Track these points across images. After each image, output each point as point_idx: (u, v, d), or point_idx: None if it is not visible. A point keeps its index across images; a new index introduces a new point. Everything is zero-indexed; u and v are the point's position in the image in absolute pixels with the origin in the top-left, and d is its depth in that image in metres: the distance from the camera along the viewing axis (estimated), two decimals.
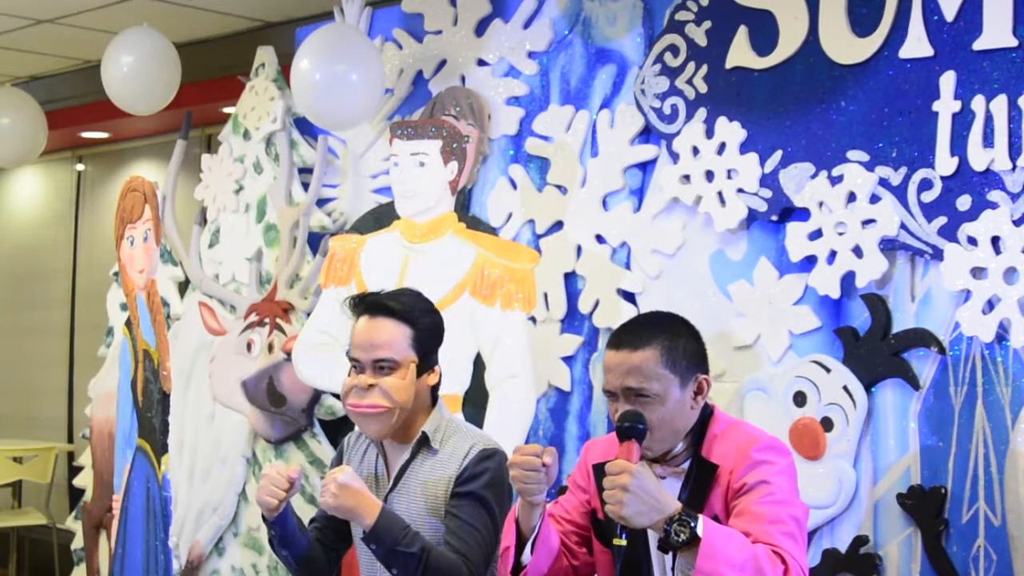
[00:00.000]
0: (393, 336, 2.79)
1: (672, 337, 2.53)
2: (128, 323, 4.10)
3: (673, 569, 2.50)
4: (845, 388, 3.37)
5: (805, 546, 2.46)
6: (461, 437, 2.84)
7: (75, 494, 6.18)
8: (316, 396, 4.61)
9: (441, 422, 2.87)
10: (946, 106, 3.25)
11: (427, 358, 2.84)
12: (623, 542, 2.36)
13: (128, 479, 3.80)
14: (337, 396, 4.53)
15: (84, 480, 5.77)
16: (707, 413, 2.60)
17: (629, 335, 2.54)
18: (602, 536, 2.60)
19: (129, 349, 4.05)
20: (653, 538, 2.49)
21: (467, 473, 2.77)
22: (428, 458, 2.83)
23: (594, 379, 3.93)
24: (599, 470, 2.53)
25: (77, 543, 5.74)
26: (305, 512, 4.69)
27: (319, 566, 2.93)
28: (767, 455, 2.48)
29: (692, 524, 2.28)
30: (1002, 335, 3.12)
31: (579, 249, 4.01)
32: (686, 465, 2.56)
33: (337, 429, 4.58)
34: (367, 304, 2.84)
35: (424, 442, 2.83)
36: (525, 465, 2.42)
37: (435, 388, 2.90)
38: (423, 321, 2.84)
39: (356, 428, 2.99)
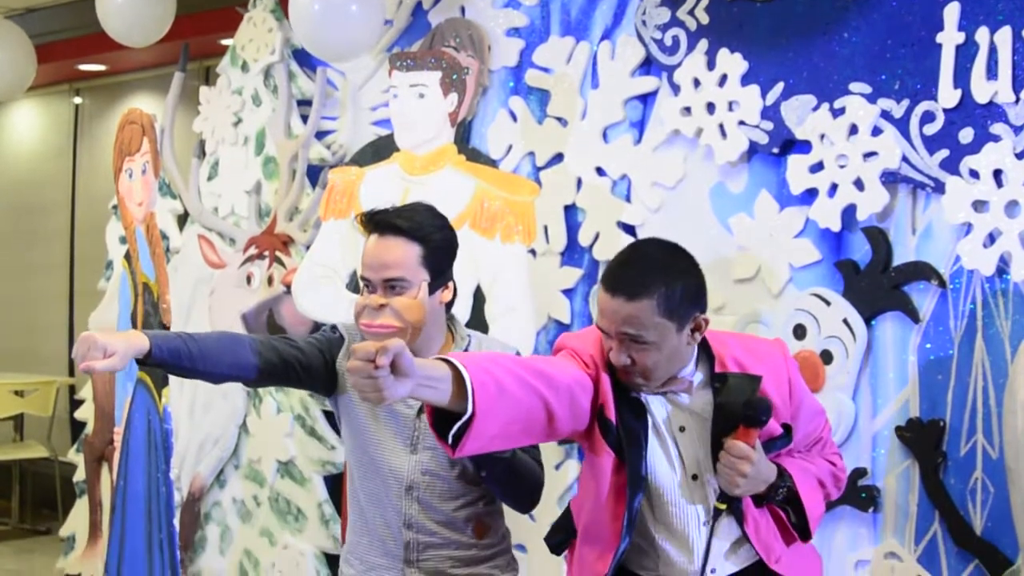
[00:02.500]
0: (403, 255, 2.71)
1: (670, 282, 2.44)
2: (127, 256, 4.10)
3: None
4: (845, 321, 3.38)
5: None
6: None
7: (76, 427, 6.23)
8: (316, 328, 4.62)
9: (460, 345, 2.82)
10: (950, 38, 3.23)
11: (440, 275, 2.76)
12: (723, 506, 2.48)
13: (129, 412, 3.81)
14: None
15: (85, 413, 5.80)
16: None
17: (625, 281, 2.44)
18: (606, 433, 2.52)
19: (129, 282, 4.05)
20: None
21: None
22: None
23: (594, 312, 3.93)
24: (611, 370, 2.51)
25: (79, 475, 5.79)
26: (309, 447, 4.74)
27: (223, 358, 2.69)
28: (790, 359, 2.64)
29: (789, 486, 2.53)
30: (1003, 269, 3.13)
31: (579, 181, 4.01)
32: (696, 382, 2.55)
33: None
34: (376, 222, 2.75)
35: None
36: (357, 372, 2.09)
37: (450, 305, 2.84)
38: (434, 238, 2.75)
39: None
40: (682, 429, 2.54)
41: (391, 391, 2.08)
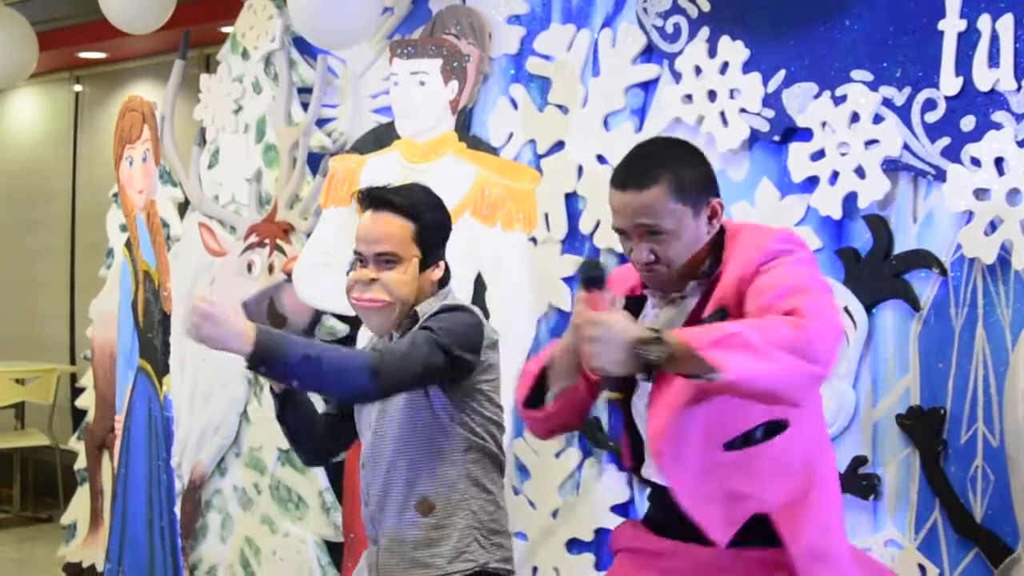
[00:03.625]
0: (395, 230, 2.77)
1: (678, 168, 2.42)
2: (128, 244, 4.10)
3: None
4: (846, 309, 3.37)
5: (834, 312, 2.31)
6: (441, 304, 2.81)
7: (77, 415, 6.24)
8: (317, 317, 4.63)
9: (438, 301, 2.81)
10: (951, 25, 3.22)
11: (431, 253, 2.81)
12: (615, 395, 2.36)
13: (130, 400, 3.82)
14: (338, 317, 4.55)
15: (86, 401, 5.82)
16: (721, 229, 2.49)
17: (633, 173, 2.43)
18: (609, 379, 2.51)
19: (129, 270, 4.05)
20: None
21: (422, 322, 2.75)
22: None
23: None
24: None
25: (80, 463, 5.81)
26: None
27: (322, 439, 2.94)
28: (784, 244, 2.38)
29: (660, 337, 2.17)
30: (1004, 257, 3.12)
31: (580, 169, 4.01)
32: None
33: None
34: (372, 198, 2.82)
35: (415, 321, 2.79)
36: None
37: (443, 283, 2.87)
38: (426, 216, 2.80)
39: None
40: None
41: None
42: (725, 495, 2.40)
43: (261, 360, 2.50)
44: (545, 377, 2.51)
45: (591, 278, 2.35)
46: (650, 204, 2.39)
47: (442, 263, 2.85)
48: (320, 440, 2.96)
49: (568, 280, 4.01)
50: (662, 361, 2.16)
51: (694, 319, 2.40)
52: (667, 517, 2.51)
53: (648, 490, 2.63)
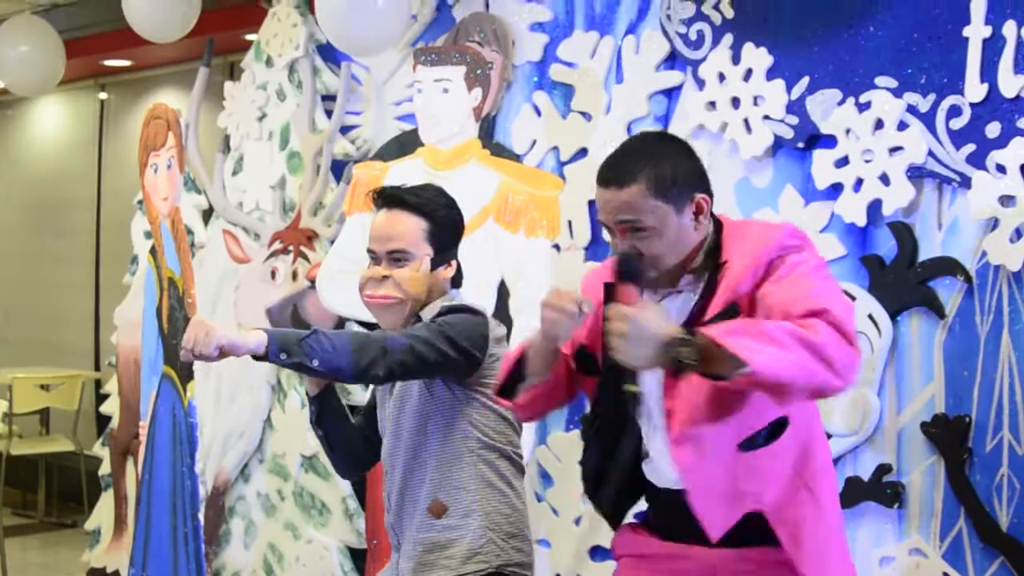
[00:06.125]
0: (408, 228, 2.80)
1: (658, 164, 2.40)
2: (153, 251, 4.11)
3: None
4: (870, 316, 3.37)
5: (850, 310, 2.29)
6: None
7: (102, 421, 6.29)
8: (340, 323, 4.64)
9: (441, 303, 2.82)
10: (976, 31, 3.23)
11: (443, 252, 2.84)
12: (635, 388, 2.34)
13: (154, 406, 3.82)
14: (361, 323, 4.56)
15: (111, 407, 5.86)
16: (718, 226, 2.49)
17: (615, 170, 2.43)
18: (582, 364, 2.53)
19: (154, 277, 4.06)
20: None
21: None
22: None
23: None
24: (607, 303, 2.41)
25: (104, 469, 5.84)
26: None
27: (356, 450, 2.98)
28: (792, 240, 2.38)
29: (692, 337, 2.17)
30: None
31: None
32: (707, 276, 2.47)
33: None
34: (385, 197, 2.86)
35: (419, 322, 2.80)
36: (561, 308, 2.30)
37: (455, 283, 2.89)
38: (439, 215, 2.83)
39: None
40: None
41: (569, 336, 2.37)
42: (732, 494, 2.40)
43: (279, 346, 2.51)
44: (521, 367, 2.51)
45: (628, 271, 2.35)
46: (630, 201, 2.39)
47: (454, 263, 2.88)
48: (355, 450, 2.99)
49: None
50: (693, 361, 2.16)
51: (700, 312, 2.39)
52: (670, 520, 2.51)
53: (646, 492, 2.59)
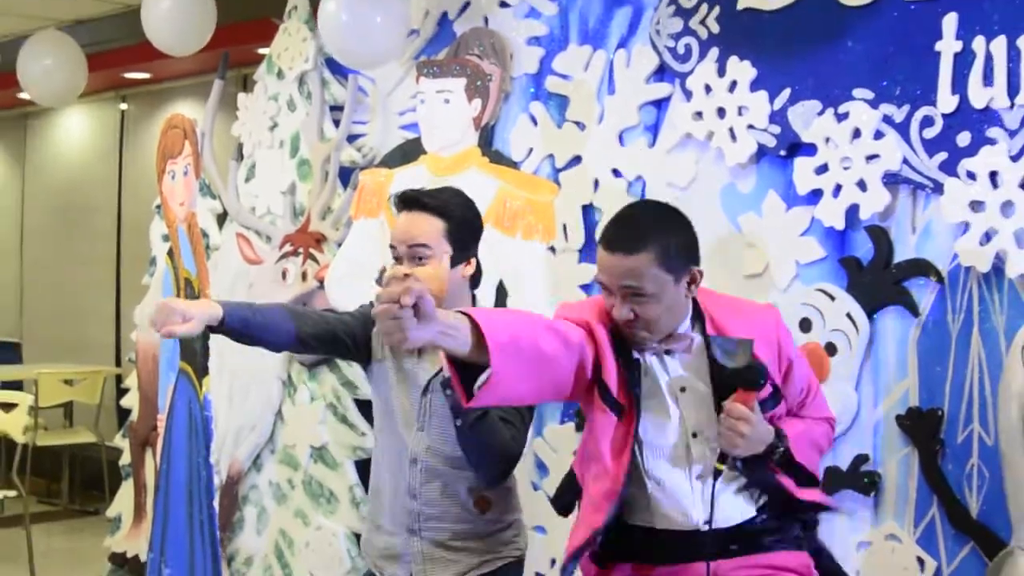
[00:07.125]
0: (427, 228, 2.85)
1: (666, 237, 2.52)
2: (170, 253, 4.12)
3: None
4: (848, 315, 3.41)
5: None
6: None
7: (122, 414, 6.29)
8: None
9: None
10: (948, 46, 3.24)
11: (462, 250, 2.89)
12: (722, 466, 2.53)
13: (172, 399, 3.79)
14: None
15: (131, 401, 5.89)
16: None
17: (623, 238, 2.52)
18: (604, 396, 2.57)
19: (171, 277, 4.05)
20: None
21: None
22: None
23: None
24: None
25: (125, 459, 5.88)
26: (341, 434, 4.85)
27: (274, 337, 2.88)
28: (786, 331, 2.73)
29: (787, 447, 2.59)
30: (998, 266, 3.14)
31: (596, 182, 4.04)
32: (696, 342, 2.62)
33: None
34: (406, 199, 2.91)
35: None
36: (383, 315, 2.10)
37: (474, 281, 2.94)
38: (456, 214, 2.89)
39: None
40: (683, 390, 2.61)
41: (414, 333, 2.10)
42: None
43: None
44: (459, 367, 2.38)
45: (752, 381, 2.52)
46: (635, 268, 2.49)
47: (473, 260, 2.93)
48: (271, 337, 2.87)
49: (585, 287, 4.02)
50: (781, 456, 2.60)
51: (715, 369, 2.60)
52: (658, 548, 2.63)
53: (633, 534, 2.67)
